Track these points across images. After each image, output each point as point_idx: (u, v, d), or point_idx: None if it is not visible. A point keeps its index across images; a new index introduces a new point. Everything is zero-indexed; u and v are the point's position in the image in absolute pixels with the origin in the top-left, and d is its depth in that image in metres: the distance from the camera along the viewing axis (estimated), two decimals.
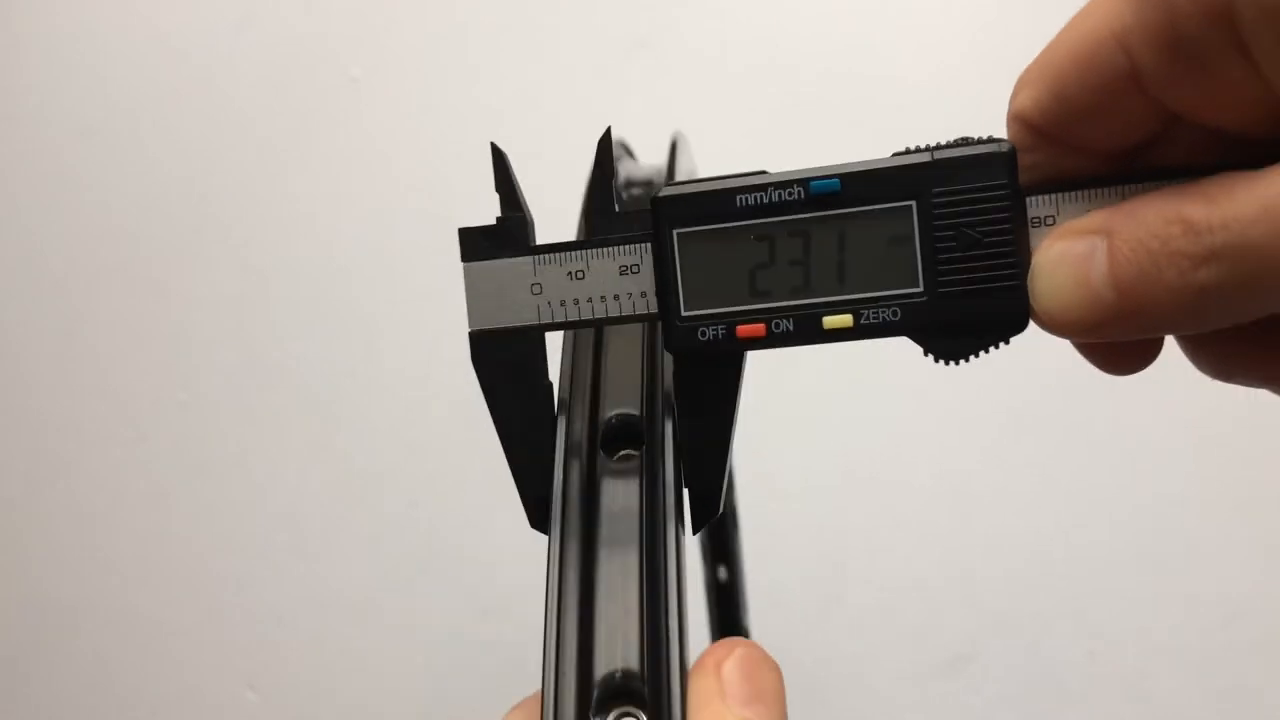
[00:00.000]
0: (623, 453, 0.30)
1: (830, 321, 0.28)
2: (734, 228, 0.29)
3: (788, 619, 1.03)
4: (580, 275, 0.30)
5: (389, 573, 1.12)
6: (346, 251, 1.14)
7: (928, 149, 0.28)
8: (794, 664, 0.98)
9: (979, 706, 1.02)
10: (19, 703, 1.20)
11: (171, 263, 1.17)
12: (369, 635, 1.12)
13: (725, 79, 1.09)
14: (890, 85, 1.05)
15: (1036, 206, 0.27)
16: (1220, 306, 0.24)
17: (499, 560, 1.06)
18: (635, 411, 0.31)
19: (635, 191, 0.46)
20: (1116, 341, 0.29)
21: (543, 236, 0.32)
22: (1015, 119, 0.28)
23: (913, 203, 0.28)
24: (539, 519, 0.31)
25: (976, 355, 0.28)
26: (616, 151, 0.32)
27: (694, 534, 0.31)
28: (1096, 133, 0.27)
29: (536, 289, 0.31)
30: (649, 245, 0.30)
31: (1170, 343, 0.30)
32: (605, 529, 0.29)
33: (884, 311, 0.28)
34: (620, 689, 0.26)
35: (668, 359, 0.32)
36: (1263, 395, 0.30)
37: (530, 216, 0.32)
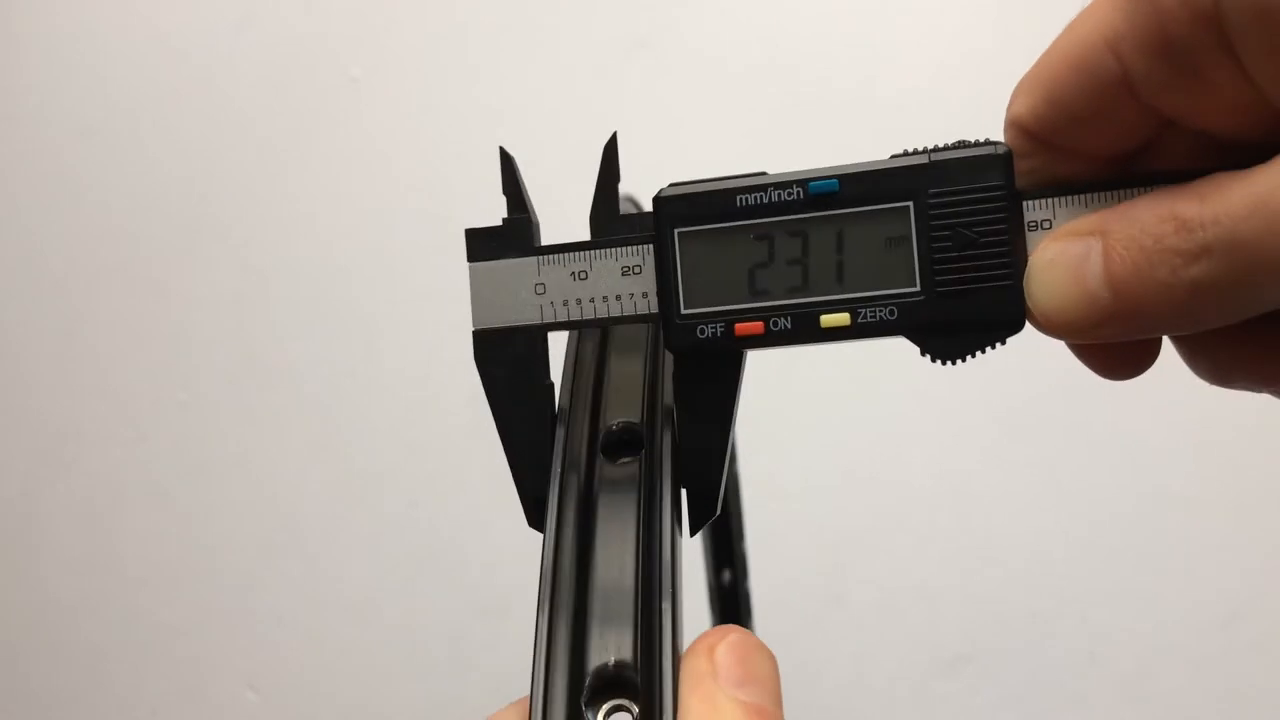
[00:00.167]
0: (623, 459, 0.30)
1: (828, 320, 0.29)
2: (734, 227, 0.29)
3: (788, 619, 1.03)
4: (583, 276, 0.31)
5: (389, 573, 1.12)
6: (346, 251, 1.14)
7: (925, 151, 0.28)
8: (795, 664, 0.98)
9: (979, 706, 1.02)
10: (19, 702, 1.20)
11: (171, 263, 1.17)
12: (369, 635, 1.12)
13: (725, 79, 1.09)
14: (889, 85, 1.05)
15: (1033, 210, 0.27)
16: (1214, 302, 0.24)
17: (499, 560, 1.06)
18: (636, 419, 0.31)
19: None
20: (1112, 344, 0.29)
21: (544, 235, 0.32)
22: (1012, 125, 0.28)
23: (910, 204, 0.28)
24: (537, 518, 0.31)
25: (973, 356, 0.28)
26: (623, 206, 0.32)
27: (692, 535, 0.32)
28: (1091, 138, 0.27)
29: (540, 289, 0.31)
30: (651, 247, 0.30)
31: (1168, 347, 0.30)
32: (602, 524, 0.29)
33: (881, 311, 0.28)
34: (613, 680, 0.26)
35: (669, 367, 0.32)
36: (1261, 396, 0.30)
37: (536, 218, 0.32)
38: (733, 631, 0.27)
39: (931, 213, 0.28)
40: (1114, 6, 0.25)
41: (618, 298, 0.31)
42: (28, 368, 1.20)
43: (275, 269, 1.15)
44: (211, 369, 1.16)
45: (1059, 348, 0.30)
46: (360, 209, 1.14)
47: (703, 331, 0.29)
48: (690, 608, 0.28)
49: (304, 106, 1.15)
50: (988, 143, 0.28)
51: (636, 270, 0.30)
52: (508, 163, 0.32)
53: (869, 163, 0.29)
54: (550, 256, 0.31)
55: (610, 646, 0.26)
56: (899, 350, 0.30)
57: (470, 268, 0.32)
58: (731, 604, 0.67)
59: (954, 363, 0.28)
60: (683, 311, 0.30)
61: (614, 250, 0.31)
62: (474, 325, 0.32)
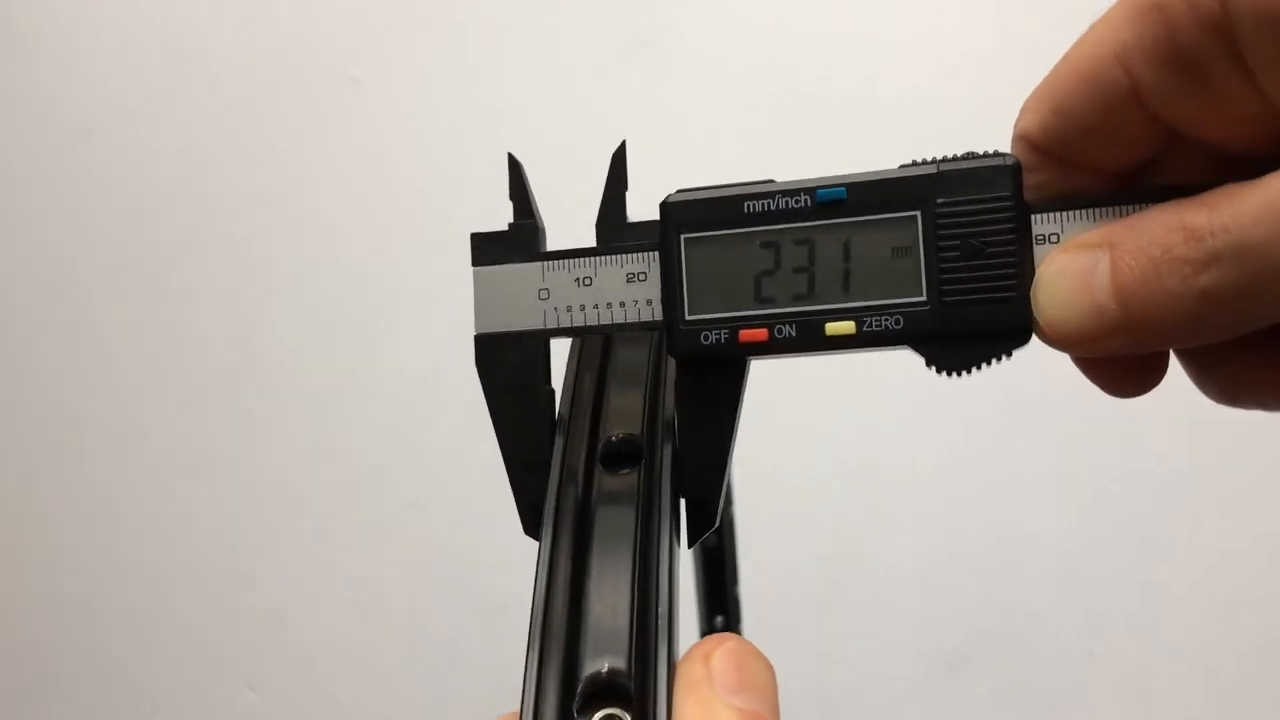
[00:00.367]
0: (622, 470, 0.30)
1: (833, 328, 0.28)
2: (740, 234, 0.29)
3: (789, 617, 1.03)
4: (588, 282, 0.31)
5: (389, 573, 1.12)
6: (347, 251, 1.14)
7: (934, 161, 0.28)
8: (795, 662, 0.99)
9: (979, 705, 1.02)
10: (20, 702, 1.20)
11: (172, 262, 1.17)
12: (369, 635, 1.12)
13: (725, 79, 1.09)
14: (889, 85, 1.06)
15: (1041, 224, 0.27)
16: (1223, 312, 0.24)
17: (499, 560, 1.06)
18: (637, 431, 0.31)
19: None
20: (1119, 359, 0.29)
21: (544, 233, 0.32)
22: (1019, 139, 0.28)
23: (917, 213, 0.28)
24: (532, 525, 0.31)
25: (978, 368, 0.28)
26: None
27: (690, 546, 0.31)
28: (1099, 151, 0.27)
29: (544, 294, 0.31)
30: (656, 254, 0.30)
31: (1174, 365, 0.30)
32: (599, 531, 0.29)
33: (887, 320, 0.28)
34: (607, 687, 0.25)
35: (671, 379, 0.32)
36: None
37: (542, 224, 0.32)
38: (729, 639, 0.27)
39: (939, 223, 0.28)
40: (1123, 18, 0.25)
41: (621, 304, 0.30)
42: (28, 367, 1.20)
43: (275, 269, 1.15)
44: (211, 369, 1.16)
45: None
46: (360, 209, 1.14)
47: (707, 338, 0.29)
48: (683, 647, 0.28)
49: (304, 106, 1.15)
50: (996, 154, 0.28)
51: (641, 277, 0.30)
52: (515, 169, 0.32)
53: (877, 171, 0.29)
54: (555, 262, 0.31)
55: (604, 653, 0.26)
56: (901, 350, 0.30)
57: (474, 272, 0.32)
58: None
59: (959, 375, 0.28)
60: (687, 317, 0.29)
61: (619, 257, 0.31)
62: (476, 330, 0.31)
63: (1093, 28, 0.26)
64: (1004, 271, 0.27)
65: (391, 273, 1.12)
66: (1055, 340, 0.27)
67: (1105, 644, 1.01)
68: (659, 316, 0.30)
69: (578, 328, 0.31)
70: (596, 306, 0.31)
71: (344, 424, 1.13)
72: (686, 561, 0.66)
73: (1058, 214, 0.27)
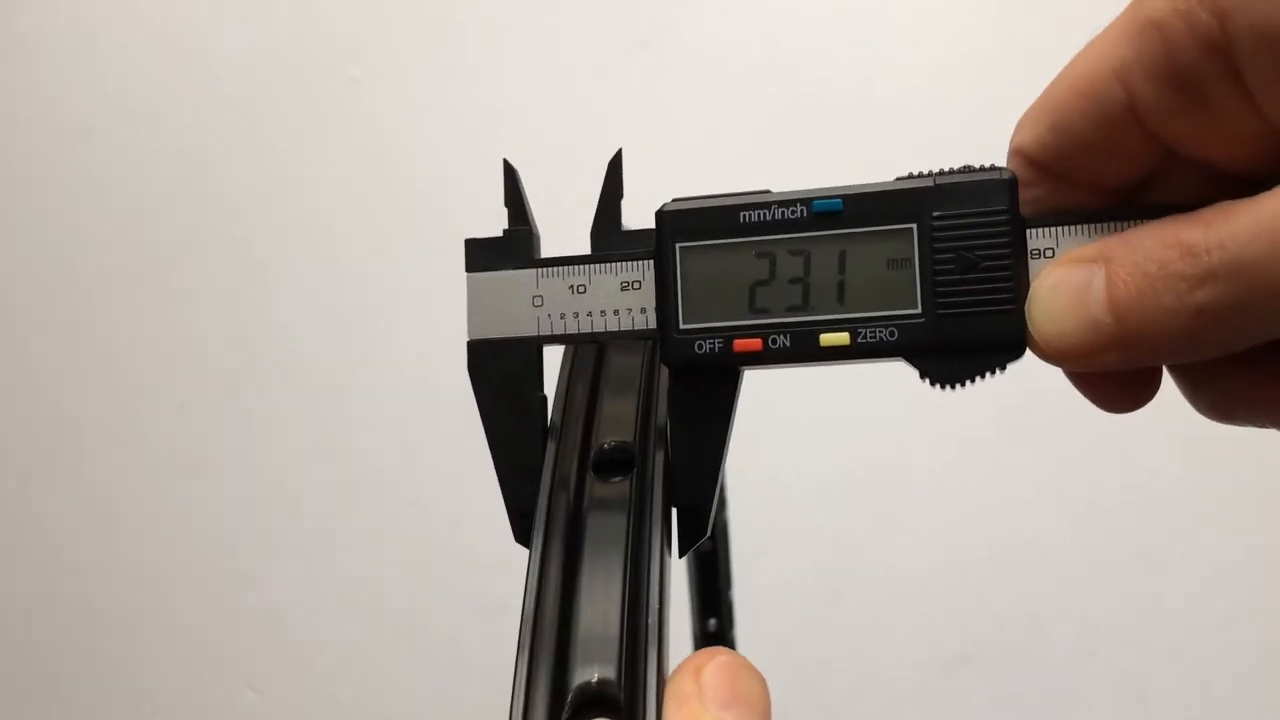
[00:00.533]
0: (614, 478, 0.30)
1: (827, 339, 0.28)
2: (736, 243, 0.29)
3: (788, 619, 1.03)
4: (582, 289, 0.31)
5: (389, 573, 1.12)
6: (346, 251, 1.14)
7: (930, 174, 0.28)
8: (794, 665, 0.99)
9: (978, 706, 1.02)
10: (20, 701, 1.20)
11: (172, 263, 1.17)
12: (369, 635, 1.12)
13: (725, 79, 1.09)
14: (889, 85, 1.05)
15: (1036, 239, 0.27)
16: (1219, 329, 0.24)
17: (499, 560, 1.06)
18: (629, 439, 0.31)
19: None
20: (1112, 374, 0.29)
21: (542, 233, 0.32)
22: (1016, 154, 0.28)
23: (914, 225, 0.28)
24: (522, 533, 0.31)
25: (972, 381, 0.28)
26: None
27: (680, 556, 0.31)
28: (1096, 168, 0.27)
29: (538, 301, 0.31)
30: (651, 262, 0.30)
31: (1167, 380, 0.30)
32: (590, 540, 0.28)
33: (881, 331, 0.28)
34: (596, 697, 0.25)
35: (664, 388, 0.32)
36: None
37: (537, 231, 0.32)
38: (721, 653, 0.26)
39: (935, 235, 0.28)
40: (1122, 35, 0.25)
41: (615, 312, 0.30)
42: (28, 367, 1.20)
43: (275, 269, 1.15)
44: (211, 369, 1.16)
45: None
46: (360, 209, 1.14)
47: (700, 347, 0.29)
48: (677, 656, 0.27)
49: (304, 106, 1.15)
50: (993, 168, 0.28)
51: (636, 285, 0.30)
52: (511, 175, 0.32)
53: (873, 183, 0.29)
54: (549, 269, 0.31)
55: (594, 663, 0.26)
56: (895, 362, 0.30)
57: (468, 278, 0.32)
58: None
59: (953, 387, 0.28)
60: (681, 326, 0.29)
61: (614, 265, 0.30)
62: (469, 335, 0.31)
63: (1090, 44, 0.26)
64: (999, 285, 0.27)
65: (391, 273, 1.12)
66: (1049, 354, 0.27)
67: (1102, 654, 1.01)
68: (653, 325, 0.30)
69: (571, 335, 0.31)
70: (590, 314, 0.31)
71: (344, 424, 1.13)
72: (680, 565, 0.65)
73: (1053, 229, 0.27)
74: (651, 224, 0.31)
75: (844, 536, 1.04)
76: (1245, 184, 0.24)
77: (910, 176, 0.28)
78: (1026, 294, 0.27)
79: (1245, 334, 0.24)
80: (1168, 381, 0.29)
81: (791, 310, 0.29)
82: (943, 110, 1.02)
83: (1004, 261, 0.27)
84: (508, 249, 0.31)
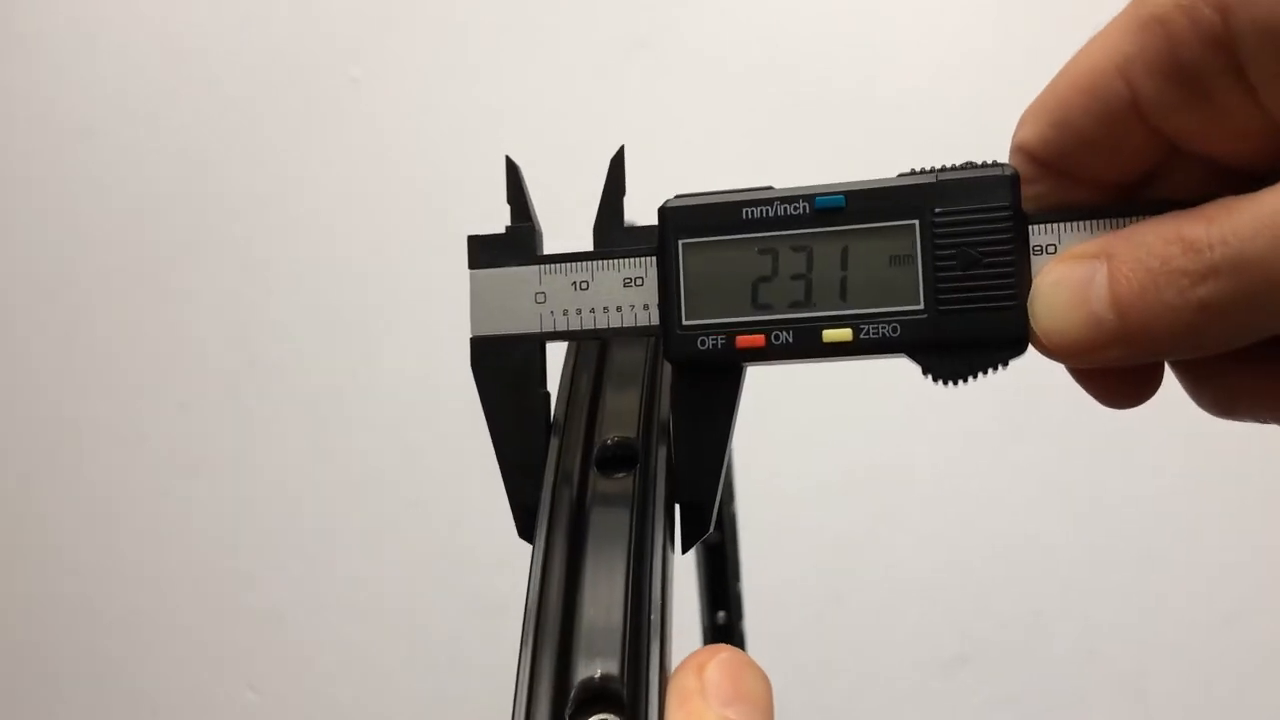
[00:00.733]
0: (617, 474, 0.30)
1: (830, 335, 0.29)
2: (738, 239, 0.29)
3: (788, 620, 1.03)
4: (584, 286, 0.31)
5: (389, 573, 1.12)
6: (347, 251, 1.14)
7: (932, 170, 0.28)
8: (794, 665, 0.99)
9: (978, 706, 1.02)
10: (20, 702, 1.20)
11: (172, 263, 1.17)
12: (369, 635, 1.12)
13: (725, 79, 1.09)
14: (889, 85, 1.06)
15: (1038, 235, 0.27)
16: (1221, 324, 0.24)
17: (499, 560, 1.06)
18: (632, 435, 0.31)
19: None
20: (1114, 370, 0.29)
21: (542, 232, 0.32)
22: (1018, 150, 0.28)
23: (916, 221, 0.28)
24: (525, 528, 0.31)
25: (975, 377, 0.28)
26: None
27: (684, 552, 0.31)
28: (1098, 164, 0.27)
29: (540, 298, 0.31)
30: (653, 259, 0.30)
31: (1169, 375, 0.30)
32: (593, 537, 0.28)
33: (884, 327, 0.28)
34: (599, 693, 0.25)
35: (667, 383, 0.32)
36: None
37: (539, 227, 0.32)
38: (724, 650, 0.26)
39: (937, 231, 0.28)
40: (1125, 31, 0.25)
41: (618, 309, 0.30)
42: (28, 368, 1.20)
43: (275, 269, 1.15)
44: (211, 369, 1.16)
45: None
46: (360, 209, 1.14)
47: (703, 343, 0.29)
48: (684, 649, 0.27)
49: (304, 106, 1.15)
50: (995, 164, 0.28)
51: (638, 282, 0.30)
52: (513, 172, 0.32)
53: (876, 180, 0.29)
54: (551, 266, 0.31)
55: (597, 659, 0.26)
56: (898, 358, 0.30)
57: (471, 274, 0.32)
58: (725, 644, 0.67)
59: (955, 383, 0.28)
60: (684, 322, 0.29)
61: (616, 261, 0.31)
62: (472, 332, 0.31)
63: (1093, 40, 0.26)
64: (1001, 281, 0.27)
65: (391, 273, 1.13)
66: (1052, 350, 0.27)
67: (1103, 654, 1.01)
68: (655, 321, 0.30)
69: (574, 332, 0.31)
70: (593, 310, 0.31)
71: (344, 424, 1.13)
72: (688, 558, 0.65)
73: (1055, 225, 0.27)
74: (652, 222, 0.31)
75: (844, 535, 1.04)
76: (1247, 179, 0.24)
77: (913, 173, 0.28)
78: (1029, 290, 0.27)
79: (1248, 329, 0.24)
80: (1170, 379, 0.29)
81: (794, 306, 0.29)
82: (943, 110, 1.03)
83: (1006, 258, 0.27)
84: (510, 245, 0.31)
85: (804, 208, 0.29)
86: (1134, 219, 0.26)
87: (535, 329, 0.31)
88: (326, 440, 1.14)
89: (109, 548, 1.17)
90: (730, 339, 0.29)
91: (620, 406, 0.32)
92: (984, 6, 1.06)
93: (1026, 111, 0.28)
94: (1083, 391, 0.30)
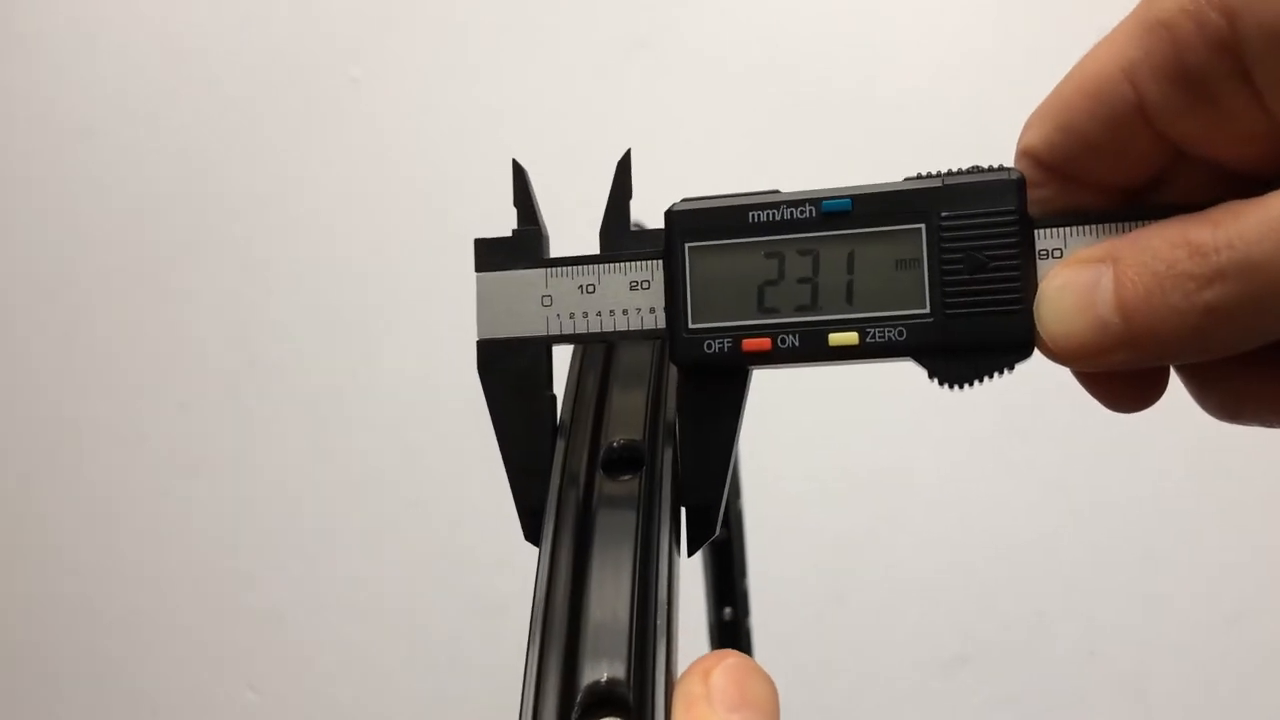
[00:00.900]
0: (623, 476, 0.30)
1: (836, 339, 0.29)
2: (745, 243, 0.29)
3: (788, 620, 1.03)
4: (591, 289, 0.31)
5: (389, 573, 1.12)
6: (346, 251, 1.14)
7: (939, 175, 0.28)
8: (795, 665, 0.99)
9: (978, 706, 1.03)
10: (20, 701, 1.20)
11: (172, 263, 1.17)
12: (369, 635, 1.12)
13: (725, 79, 1.09)
14: (889, 85, 1.06)
15: (1044, 239, 0.28)
16: (1227, 328, 0.24)
17: (499, 560, 1.06)
18: (638, 437, 0.31)
19: None
20: (1120, 373, 0.29)
21: (549, 238, 0.32)
22: (1024, 155, 0.28)
23: (922, 225, 0.28)
24: (532, 531, 0.31)
25: (980, 381, 0.28)
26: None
27: (690, 555, 0.31)
28: (1104, 168, 0.27)
29: (547, 301, 0.31)
30: (660, 263, 0.30)
31: (1174, 379, 0.30)
32: (599, 540, 0.28)
33: (890, 331, 0.28)
34: (605, 696, 0.25)
35: (673, 386, 0.32)
36: None
37: (546, 230, 0.32)
38: (730, 656, 0.26)
39: (943, 236, 0.28)
40: (1131, 35, 0.25)
41: (624, 312, 0.31)
42: (28, 368, 1.20)
43: (275, 269, 1.15)
44: (211, 369, 1.16)
45: None
46: (360, 209, 1.14)
47: (709, 346, 0.29)
48: (691, 645, 0.27)
49: (304, 106, 1.15)
50: (1001, 169, 0.28)
51: (645, 285, 0.30)
52: (520, 175, 0.32)
53: (882, 184, 0.29)
54: (558, 269, 0.31)
55: (603, 663, 0.26)
56: (904, 361, 0.30)
57: (477, 277, 0.32)
58: (732, 641, 0.67)
59: (961, 387, 0.28)
60: (690, 326, 0.30)
61: (623, 265, 0.31)
62: (479, 335, 0.32)
63: (1099, 45, 0.26)
64: (1007, 285, 0.27)
65: (391, 273, 1.13)
66: (1058, 354, 0.27)
67: (1106, 654, 1.01)
68: (662, 325, 0.30)
69: (580, 335, 0.31)
70: (599, 314, 0.31)
71: (344, 424, 1.13)
72: (695, 554, 0.65)
73: (1061, 229, 0.27)
74: (652, 223, 0.31)
75: (845, 535, 1.04)
76: (1253, 183, 0.24)
77: (919, 177, 0.28)
78: (1035, 294, 0.27)
79: (1254, 333, 0.24)
80: (1173, 381, 0.29)
81: (800, 310, 0.29)
82: (943, 110, 1.03)
83: (1012, 262, 0.27)
84: (517, 249, 0.31)
85: (810, 211, 0.29)
86: (1139, 223, 0.26)
87: (541, 332, 0.31)
88: (326, 440, 1.14)
89: (109, 548, 1.17)
90: (736, 342, 0.29)
91: (626, 408, 0.32)
92: (984, 6, 1.06)
93: (1032, 115, 0.28)
94: (1083, 392, 0.30)
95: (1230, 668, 1.00)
